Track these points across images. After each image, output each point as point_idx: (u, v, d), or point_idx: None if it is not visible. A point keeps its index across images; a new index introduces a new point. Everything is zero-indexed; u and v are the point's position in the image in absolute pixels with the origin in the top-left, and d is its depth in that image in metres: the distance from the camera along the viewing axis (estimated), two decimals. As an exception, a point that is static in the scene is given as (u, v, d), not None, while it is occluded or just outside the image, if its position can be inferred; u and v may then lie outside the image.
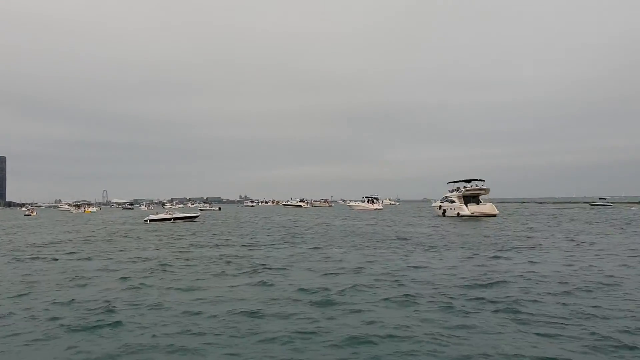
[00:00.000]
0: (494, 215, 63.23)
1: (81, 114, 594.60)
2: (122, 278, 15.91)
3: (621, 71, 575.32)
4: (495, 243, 26.90)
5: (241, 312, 10.93)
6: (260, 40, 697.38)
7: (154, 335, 9.22)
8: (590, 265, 17.69)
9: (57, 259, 21.82)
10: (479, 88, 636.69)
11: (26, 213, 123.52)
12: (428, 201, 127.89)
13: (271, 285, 14.40)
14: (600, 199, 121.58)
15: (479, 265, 18.12)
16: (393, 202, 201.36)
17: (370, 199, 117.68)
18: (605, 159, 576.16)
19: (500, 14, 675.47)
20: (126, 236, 36.53)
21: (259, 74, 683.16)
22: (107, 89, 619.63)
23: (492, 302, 11.74)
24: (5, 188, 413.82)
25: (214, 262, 20.02)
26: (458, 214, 64.03)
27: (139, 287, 14.20)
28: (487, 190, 66.80)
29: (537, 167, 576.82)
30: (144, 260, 20.77)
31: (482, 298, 12.19)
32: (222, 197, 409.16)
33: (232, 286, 14.25)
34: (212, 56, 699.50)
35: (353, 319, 10.22)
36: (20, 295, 13.30)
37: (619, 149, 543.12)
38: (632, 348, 8.22)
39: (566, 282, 14.28)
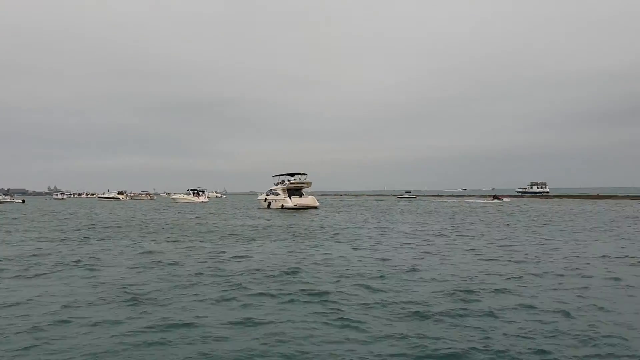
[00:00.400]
0: (315, 207, 66.17)
1: None
2: None
3: (439, 75, 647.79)
4: (310, 233, 27.66)
5: None
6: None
7: None
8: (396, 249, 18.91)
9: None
10: (308, 86, 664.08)
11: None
12: (255, 194, 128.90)
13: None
14: (406, 192, 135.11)
15: (290, 253, 18.16)
16: (220, 195, 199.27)
17: (195, 191, 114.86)
18: (421, 155, 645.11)
19: (333, 15, 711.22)
20: None
21: (69, 55, 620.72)
22: None
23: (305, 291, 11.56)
24: None
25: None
26: (282, 206, 65.44)
27: None
28: (309, 184, 69.57)
29: (357, 163, 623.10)
30: None
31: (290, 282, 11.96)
32: (27, 189, 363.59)
33: None
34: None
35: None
36: None
37: (434, 148, 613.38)
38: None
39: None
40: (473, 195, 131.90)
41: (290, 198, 65.60)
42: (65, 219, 47.77)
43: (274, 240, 24.39)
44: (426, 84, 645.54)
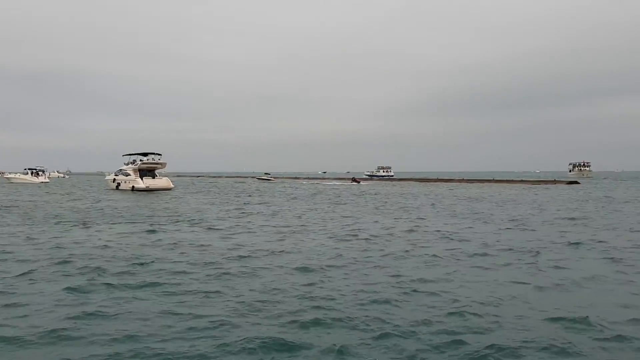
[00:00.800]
0: (170, 189, 64.58)
1: None
2: None
3: (302, 60, 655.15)
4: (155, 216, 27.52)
5: None
6: None
7: None
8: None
9: None
10: (168, 62, 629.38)
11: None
12: (102, 174, 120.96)
13: None
14: (265, 173, 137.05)
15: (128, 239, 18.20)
16: (62, 175, 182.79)
17: (34, 170, 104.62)
18: (281, 138, 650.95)
19: None
20: None
21: None
22: None
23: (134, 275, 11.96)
24: None
25: None
26: (133, 187, 62.75)
27: None
28: (163, 165, 67.55)
29: (216, 143, 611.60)
30: None
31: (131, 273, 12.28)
32: None
33: None
34: None
35: None
36: None
37: (294, 130, 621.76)
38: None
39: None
40: (330, 178, 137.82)
41: (142, 179, 63.19)
42: None
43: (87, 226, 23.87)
44: (288, 67, 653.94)
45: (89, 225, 22.73)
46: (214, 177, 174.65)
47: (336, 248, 16.20)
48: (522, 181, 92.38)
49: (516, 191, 60.37)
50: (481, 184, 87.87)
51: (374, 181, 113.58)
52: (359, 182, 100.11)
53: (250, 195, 52.95)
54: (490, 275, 12.08)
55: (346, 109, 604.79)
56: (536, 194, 53.12)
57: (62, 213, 29.69)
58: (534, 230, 21.37)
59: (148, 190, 61.60)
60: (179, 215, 28.08)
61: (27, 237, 18.68)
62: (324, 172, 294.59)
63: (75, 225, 22.78)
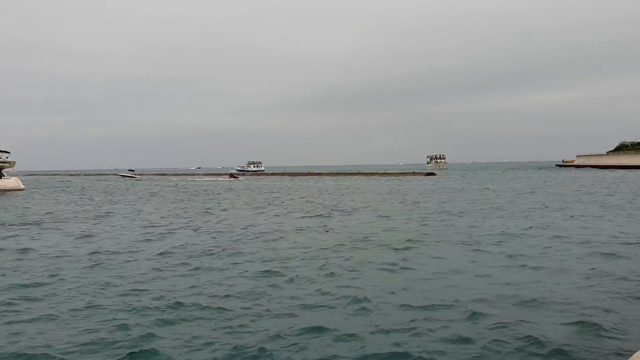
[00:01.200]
0: (21, 190, 58.95)
1: None
2: None
3: (169, 53, 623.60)
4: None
5: None
6: None
7: None
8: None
9: None
10: (15, 50, 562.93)
11: None
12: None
13: None
14: (129, 170, 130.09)
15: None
16: None
17: None
18: (132, 133, 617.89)
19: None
20: None
21: None
22: None
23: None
24: None
25: None
26: (-25, 189, 56.28)
27: None
28: (12, 163, 61.40)
29: (74, 139, 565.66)
30: None
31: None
32: None
33: None
34: None
35: None
36: None
37: (166, 125, 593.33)
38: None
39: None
40: (201, 174, 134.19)
41: (-14, 180, 56.93)
42: None
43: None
44: (154, 60, 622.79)
45: None
46: (73, 175, 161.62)
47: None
48: (385, 173, 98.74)
49: (378, 182, 64.67)
50: (349, 177, 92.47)
51: (246, 176, 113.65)
52: (237, 177, 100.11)
53: (123, 195, 50.39)
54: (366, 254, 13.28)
55: (219, 103, 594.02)
56: (399, 185, 57.48)
57: None
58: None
59: (-7, 191, 55.68)
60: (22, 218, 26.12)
61: None
62: (199, 168, 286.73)
63: None
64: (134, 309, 8.90)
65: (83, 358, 6.79)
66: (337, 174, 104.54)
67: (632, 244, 14.92)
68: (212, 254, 14.32)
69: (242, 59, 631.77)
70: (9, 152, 61.81)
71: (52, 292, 10.14)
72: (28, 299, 9.66)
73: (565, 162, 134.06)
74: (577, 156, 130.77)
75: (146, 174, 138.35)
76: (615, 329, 7.58)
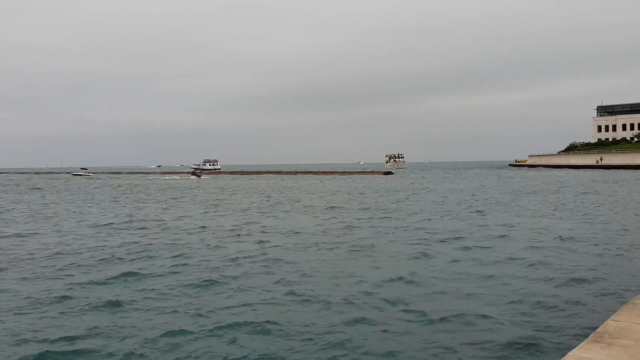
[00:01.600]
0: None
1: None
2: None
3: (108, 47, 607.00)
4: None
5: None
6: None
7: None
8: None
9: None
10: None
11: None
12: None
13: None
14: (82, 168, 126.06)
15: None
16: None
17: None
18: (87, 131, 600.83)
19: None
20: None
21: None
22: None
23: None
24: None
25: None
26: None
27: None
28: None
29: (20, 136, 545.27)
30: None
31: None
32: None
33: None
34: None
35: None
36: None
37: (122, 123, 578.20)
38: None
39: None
40: (169, 172, 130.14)
41: None
42: None
43: None
44: (109, 56, 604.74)
45: None
46: (21, 172, 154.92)
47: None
48: (344, 172, 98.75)
49: (339, 181, 64.45)
50: (306, 175, 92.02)
51: (204, 175, 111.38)
52: (199, 175, 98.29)
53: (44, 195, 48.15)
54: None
55: (176, 100, 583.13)
56: (357, 183, 57.31)
57: None
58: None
59: None
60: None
61: None
62: (159, 166, 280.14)
63: None
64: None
65: None
66: (296, 172, 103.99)
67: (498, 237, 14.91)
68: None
69: (199, 56, 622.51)
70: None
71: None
72: None
73: (518, 161, 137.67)
74: (530, 156, 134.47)
75: (100, 172, 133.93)
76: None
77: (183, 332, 7.43)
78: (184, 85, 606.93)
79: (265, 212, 25.44)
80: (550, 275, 10.73)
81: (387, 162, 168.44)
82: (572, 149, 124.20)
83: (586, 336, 4.41)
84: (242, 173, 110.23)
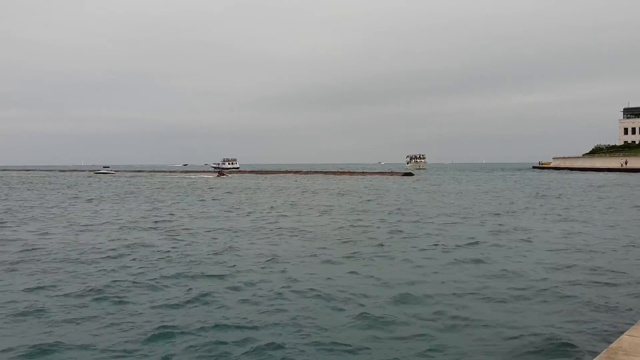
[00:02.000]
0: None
1: None
2: None
3: (145, 48, 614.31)
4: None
5: None
6: None
7: None
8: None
9: None
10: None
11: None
12: None
13: None
14: (104, 167, 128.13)
15: None
16: None
17: None
18: (111, 129, 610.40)
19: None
20: None
21: None
22: None
23: None
24: None
25: None
26: None
27: None
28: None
29: (47, 133, 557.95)
30: None
31: None
32: None
33: None
34: None
35: None
36: None
37: (149, 122, 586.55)
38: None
39: None
40: (194, 171, 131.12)
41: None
42: None
43: None
44: (128, 55, 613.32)
45: None
46: (47, 170, 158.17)
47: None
48: (363, 173, 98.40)
49: (354, 182, 64.14)
50: (325, 175, 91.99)
51: (238, 173, 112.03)
52: (225, 175, 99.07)
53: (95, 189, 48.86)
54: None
55: (200, 99, 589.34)
56: (374, 184, 56.95)
57: None
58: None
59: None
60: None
61: None
62: (185, 165, 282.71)
63: None
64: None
65: None
66: (316, 172, 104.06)
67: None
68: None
69: (219, 56, 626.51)
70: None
71: None
72: None
73: (542, 164, 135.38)
74: (554, 158, 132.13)
75: (123, 171, 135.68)
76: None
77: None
78: (202, 84, 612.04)
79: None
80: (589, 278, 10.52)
81: (407, 163, 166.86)
82: (597, 151, 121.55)
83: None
84: (264, 172, 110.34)
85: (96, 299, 9.54)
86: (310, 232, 18.76)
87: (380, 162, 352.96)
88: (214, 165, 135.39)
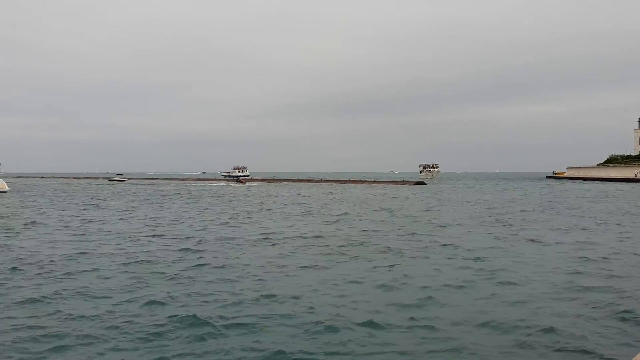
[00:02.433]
0: (4, 192, 58.10)
1: None
2: None
3: (155, 56, 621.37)
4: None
5: None
6: None
7: None
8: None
9: None
10: (17, 51, 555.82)
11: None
12: None
13: None
14: (117, 174, 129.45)
15: None
16: None
17: None
18: (125, 137, 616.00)
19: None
20: None
21: None
22: None
23: None
24: None
25: None
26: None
27: None
28: (-5, 165, 60.40)
29: (67, 141, 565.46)
30: None
31: None
32: None
33: None
34: None
35: None
36: None
37: (159, 130, 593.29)
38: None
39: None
40: (210, 179, 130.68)
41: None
42: None
43: None
44: (143, 64, 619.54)
45: None
46: (59, 177, 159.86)
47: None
48: (374, 182, 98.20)
49: (362, 190, 64.18)
50: (338, 184, 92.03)
51: (259, 182, 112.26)
52: (244, 182, 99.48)
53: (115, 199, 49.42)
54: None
55: (216, 108, 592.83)
56: (384, 194, 56.96)
57: None
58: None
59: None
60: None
61: None
62: (203, 173, 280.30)
63: None
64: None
65: None
66: (329, 181, 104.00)
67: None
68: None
69: (231, 65, 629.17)
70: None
71: None
72: None
73: (556, 173, 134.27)
74: (568, 168, 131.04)
75: (136, 178, 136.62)
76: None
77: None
78: (215, 94, 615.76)
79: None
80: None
81: (420, 172, 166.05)
82: (612, 161, 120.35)
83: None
84: (279, 180, 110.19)
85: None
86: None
87: (393, 172, 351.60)
88: (225, 174, 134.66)
